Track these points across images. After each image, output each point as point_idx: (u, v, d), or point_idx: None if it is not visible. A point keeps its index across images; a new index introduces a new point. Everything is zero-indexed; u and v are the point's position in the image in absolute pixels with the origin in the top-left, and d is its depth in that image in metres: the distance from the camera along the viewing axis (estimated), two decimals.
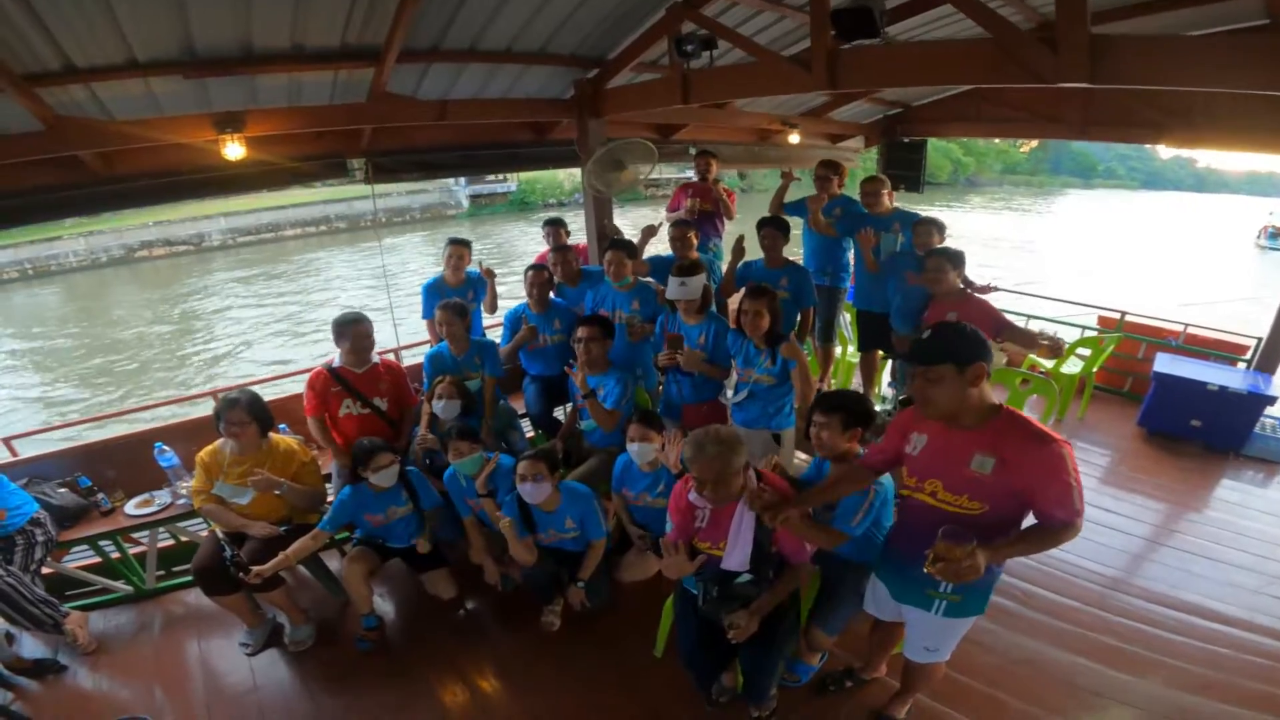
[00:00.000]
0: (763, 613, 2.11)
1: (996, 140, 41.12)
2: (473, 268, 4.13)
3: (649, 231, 4.19)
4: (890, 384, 4.30)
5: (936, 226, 3.79)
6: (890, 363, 4.60)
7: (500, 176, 29.55)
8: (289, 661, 2.91)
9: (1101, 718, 2.53)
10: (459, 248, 4.02)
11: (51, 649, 2.98)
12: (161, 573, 3.42)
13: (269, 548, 2.75)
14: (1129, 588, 3.24)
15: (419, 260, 21.61)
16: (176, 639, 3.10)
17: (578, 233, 4.82)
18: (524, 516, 2.77)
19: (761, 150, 6.18)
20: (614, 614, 3.02)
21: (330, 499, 3.13)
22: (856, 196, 4.32)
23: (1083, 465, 2.19)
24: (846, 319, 5.10)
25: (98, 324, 16.25)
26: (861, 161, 7.37)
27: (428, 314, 3.94)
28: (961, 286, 3.49)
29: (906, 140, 6.53)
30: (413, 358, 4.59)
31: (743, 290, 3.09)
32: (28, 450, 3.63)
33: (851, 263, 4.46)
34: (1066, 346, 4.53)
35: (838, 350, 4.98)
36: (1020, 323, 4.78)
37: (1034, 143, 43.26)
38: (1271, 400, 4.49)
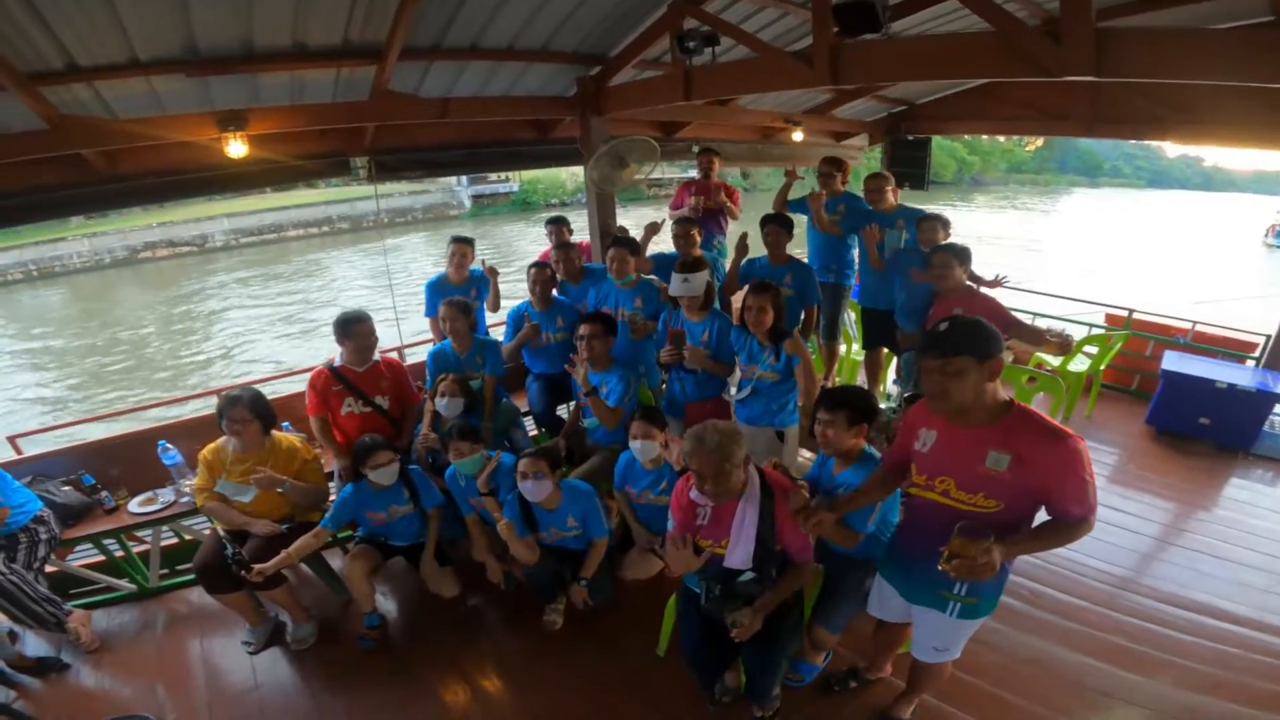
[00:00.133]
0: (766, 611, 2.09)
1: (1001, 139, 40.98)
2: (476, 266, 4.13)
3: (652, 229, 4.17)
4: (895, 381, 4.27)
5: (941, 223, 3.76)
6: (895, 360, 4.58)
7: (502, 176, 29.63)
8: (291, 660, 2.90)
9: (1109, 718, 2.50)
10: (462, 245, 4.01)
11: (54, 647, 2.98)
12: (165, 571, 3.42)
13: (271, 546, 2.75)
14: (1137, 587, 3.21)
15: (421, 260, 21.65)
16: (179, 637, 3.10)
17: (581, 232, 4.82)
18: (525, 515, 2.76)
19: (765, 148, 6.17)
20: (616, 613, 3.01)
21: (333, 497, 3.13)
22: (860, 194, 4.30)
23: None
24: (851, 317, 5.08)
25: (102, 324, 16.33)
26: (866, 160, 7.34)
27: (431, 311, 3.94)
28: (968, 282, 3.46)
29: (911, 138, 6.50)
30: (415, 356, 4.58)
31: (746, 287, 3.07)
32: (32, 449, 3.63)
33: (856, 260, 4.44)
34: (1075, 343, 4.49)
35: (842, 348, 4.96)
36: (1027, 320, 4.74)
37: (1039, 141, 43.10)
38: None
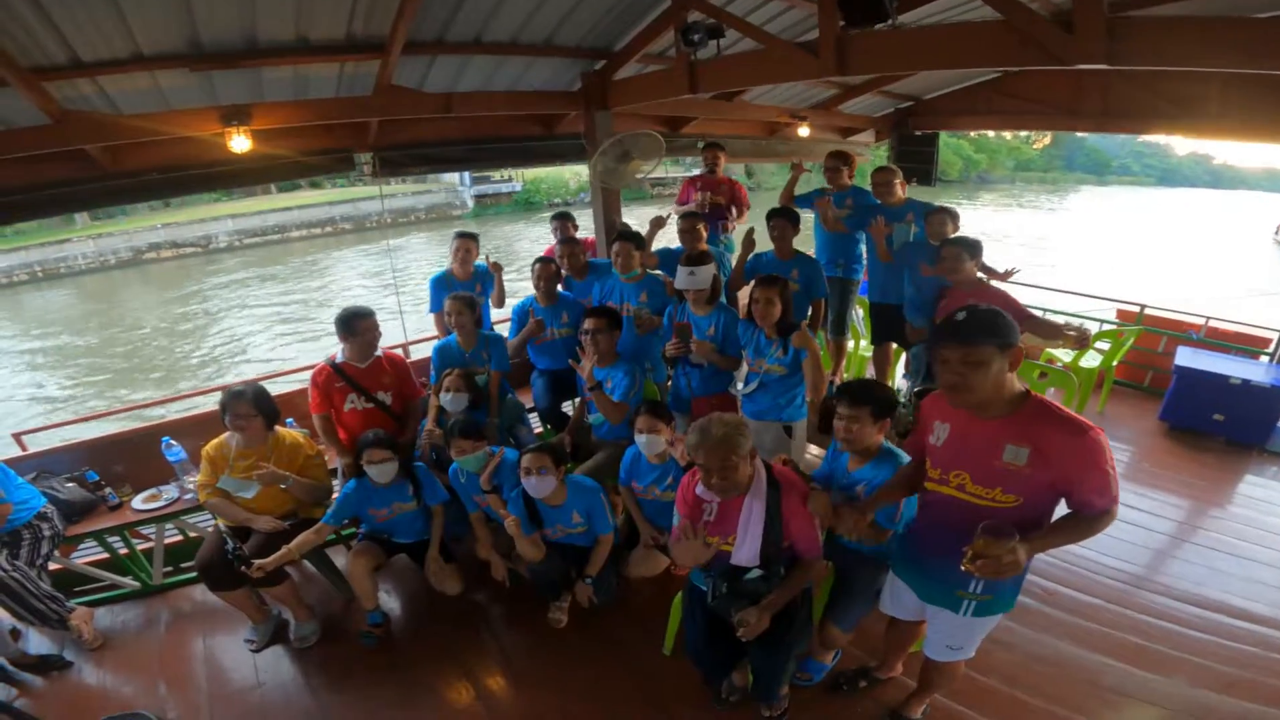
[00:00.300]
0: (773, 610, 2.05)
1: (1008, 136, 40.70)
2: (480, 261, 4.11)
3: (657, 223, 4.15)
4: (904, 376, 4.23)
5: (951, 216, 3.71)
6: (904, 355, 4.53)
7: (505, 176, 29.62)
8: (293, 658, 2.88)
9: (1123, 716, 2.46)
10: (467, 241, 3.99)
11: (57, 645, 2.97)
12: (169, 569, 3.41)
13: (273, 542, 2.73)
14: (1152, 585, 3.16)
15: (424, 260, 21.66)
16: (182, 635, 3.08)
17: (585, 230, 4.79)
18: (530, 511, 2.73)
19: (770, 144, 6.13)
20: (622, 611, 2.97)
21: (336, 494, 3.11)
22: (868, 188, 4.26)
23: None
24: (860, 314, 5.03)
25: (105, 324, 16.40)
26: (872, 156, 7.29)
27: (435, 307, 3.92)
28: (980, 276, 3.41)
29: (918, 133, 6.44)
30: (420, 352, 4.56)
31: (753, 282, 3.03)
32: (36, 446, 3.63)
33: (864, 255, 4.39)
34: (1092, 336, 4.43)
35: (850, 344, 4.91)
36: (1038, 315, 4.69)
37: (1047, 139, 42.81)
38: None
